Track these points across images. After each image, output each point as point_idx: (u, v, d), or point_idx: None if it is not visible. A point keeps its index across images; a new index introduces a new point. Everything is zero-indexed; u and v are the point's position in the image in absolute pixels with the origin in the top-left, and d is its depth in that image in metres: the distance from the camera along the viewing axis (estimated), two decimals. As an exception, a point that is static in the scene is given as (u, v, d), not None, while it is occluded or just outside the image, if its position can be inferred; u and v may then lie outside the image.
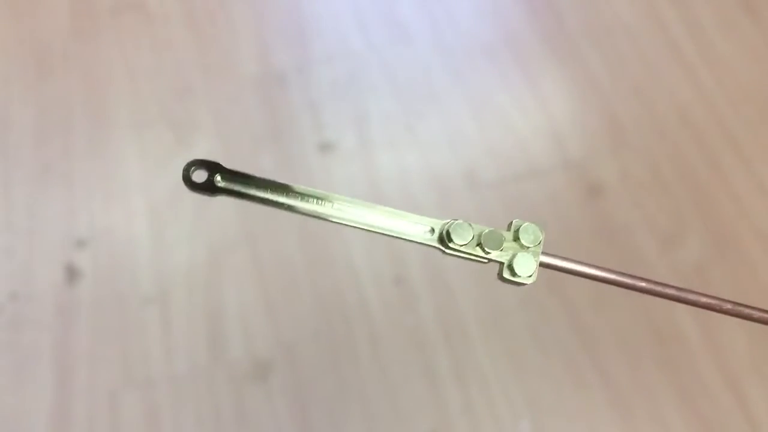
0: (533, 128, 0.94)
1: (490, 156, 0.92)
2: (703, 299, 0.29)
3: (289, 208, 0.29)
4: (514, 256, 0.29)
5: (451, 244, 0.29)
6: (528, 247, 0.29)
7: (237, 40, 1.01)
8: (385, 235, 0.29)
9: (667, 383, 0.79)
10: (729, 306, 0.29)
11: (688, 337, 0.81)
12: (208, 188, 0.29)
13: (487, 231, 0.29)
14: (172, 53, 1.00)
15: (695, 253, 0.86)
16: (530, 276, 0.29)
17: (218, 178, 0.29)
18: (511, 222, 0.30)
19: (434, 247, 0.30)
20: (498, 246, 0.29)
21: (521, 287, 0.30)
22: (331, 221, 0.30)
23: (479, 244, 0.29)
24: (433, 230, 0.30)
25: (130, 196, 0.90)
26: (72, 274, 0.85)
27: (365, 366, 0.80)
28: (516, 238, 0.29)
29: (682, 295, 0.30)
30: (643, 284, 0.30)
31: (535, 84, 0.97)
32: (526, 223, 0.29)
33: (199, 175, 0.29)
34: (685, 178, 0.90)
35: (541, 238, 0.29)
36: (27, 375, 0.81)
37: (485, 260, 0.30)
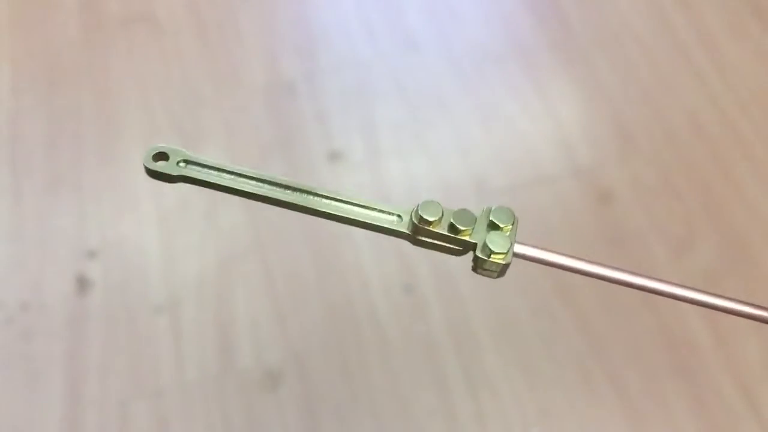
0: (542, 135, 0.94)
1: (499, 163, 0.92)
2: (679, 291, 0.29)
3: (250, 196, 0.29)
4: (486, 236, 0.29)
5: (422, 225, 0.28)
6: (501, 228, 0.29)
7: (246, 50, 1.02)
8: (353, 222, 0.29)
9: (679, 390, 0.79)
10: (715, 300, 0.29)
11: (700, 344, 0.80)
12: (166, 176, 0.29)
13: (457, 209, 0.29)
14: (182, 64, 1.01)
15: (706, 258, 0.85)
16: (504, 256, 0.28)
17: (180, 164, 0.29)
18: (484, 208, 0.30)
19: (404, 234, 0.29)
20: (470, 223, 0.28)
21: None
22: (293, 208, 0.29)
23: (451, 225, 0.29)
24: (400, 217, 0.29)
25: (141, 206, 0.90)
26: (83, 284, 0.85)
27: (375, 375, 0.80)
28: (488, 221, 0.29)
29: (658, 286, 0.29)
30: (620, 276, 0.30)
31: (544, 91, 0.97)
32: (497, 207, 0.29)
33: (160, 164, 0.29)
34: (695, 183, 0.90)
35: (513, 219, 0.29)
36: (38, 385, 0.81)
37: (458, 246, 0.29)
